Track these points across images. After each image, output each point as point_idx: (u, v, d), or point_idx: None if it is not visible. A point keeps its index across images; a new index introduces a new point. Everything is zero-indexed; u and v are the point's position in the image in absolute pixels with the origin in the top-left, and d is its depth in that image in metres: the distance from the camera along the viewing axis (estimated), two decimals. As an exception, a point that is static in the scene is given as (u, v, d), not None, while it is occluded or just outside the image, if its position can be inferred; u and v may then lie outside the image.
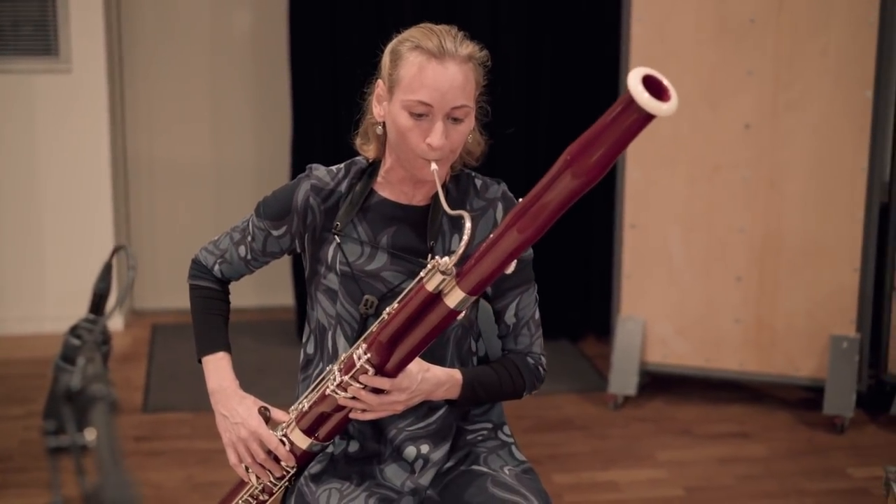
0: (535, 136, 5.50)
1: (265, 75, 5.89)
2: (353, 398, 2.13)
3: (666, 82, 1.75)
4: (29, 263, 5.57)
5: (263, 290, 6.00)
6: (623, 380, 4.77)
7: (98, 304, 1.45)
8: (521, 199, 1.92)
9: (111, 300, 1.47)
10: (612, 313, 4.91)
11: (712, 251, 4.67)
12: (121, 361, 5.36)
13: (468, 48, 2.15)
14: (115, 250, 1.36)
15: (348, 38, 5.24)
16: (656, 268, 4.73)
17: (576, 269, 5.66)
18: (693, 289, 4.71)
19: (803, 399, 4.84)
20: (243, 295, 6.01)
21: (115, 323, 5.72)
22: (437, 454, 2.27)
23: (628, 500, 4.01)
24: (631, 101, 1.74)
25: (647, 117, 1.75)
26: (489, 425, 2.40)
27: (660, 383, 4.95)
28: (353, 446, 2.30)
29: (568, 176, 1.84)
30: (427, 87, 2.10)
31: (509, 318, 2.33)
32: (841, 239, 4.53)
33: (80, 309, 5.62)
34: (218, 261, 2.42)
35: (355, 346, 2.13)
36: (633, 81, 1.72)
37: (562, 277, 5.63)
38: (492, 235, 1.95)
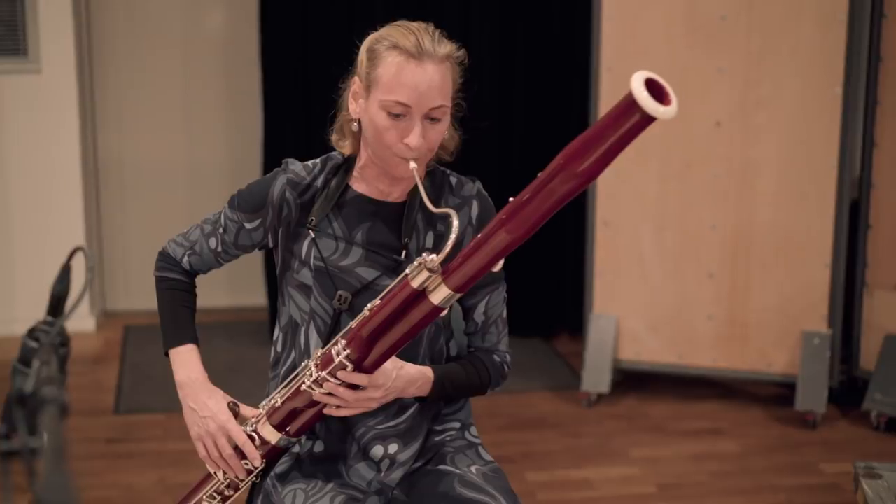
0: (510, 132, 5.50)
1: (236, 74, 5.87)
2: (329, 394, 2.13)
3: (667, 86, 1.76)
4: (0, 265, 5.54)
5: (236, 290, 5.98)
6: (596, 377, 4.77)
7: (56, 305, 1.44)
8: (511, 199, 1.91)
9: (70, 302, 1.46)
10: (584, 311, 4.91)
11: (684, 248, 4.67)
12: (92, 363, 5.34)
13: (446, 48, 2.15)
14: (73, 252, 1.34)
15: (320, 37, 5.22)
16: (629, 265, 4.74)
17: (549, 267, 5.66)
18: (665, 286, 4.71)
19: (776, 395, 4.85)
20: (216, 295, 6.06)
21: (87, 324, 5.69)
22: (405, 454, 2.27)
23: (601, 497, 4.01)
24: (633, 103, 1.74)
25: (648, 119, 1.76)
26: (457, 425, 2.40)
27: (633, 380, 4.96)
28: (319, 446, 2.29)
29: (563, 177, 1.84)
30: (405, 87, 2.09)
31: (478, 315, 2.33)
32: (812, 235, 4.54)
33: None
34: (187, 252, 2.40)
35: (333, 341, 2.12)
36: (637, 84, 1.73)
37: (535, 275, 5.63)
38: (480, 234, 1.95)
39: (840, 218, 4.52)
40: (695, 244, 4.66)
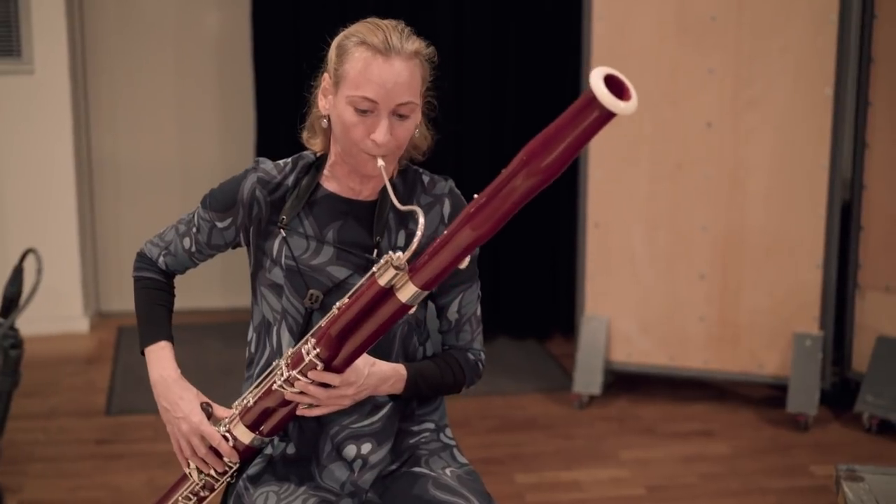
0: (501, 132, 5.49)
1: (230, 75, 5.86)
2: (301, 393, 2.12)
3: (627, 82, 1.75)
4: (-8, 265, 5.53)
5: (230, 291, 5.98)
6: (588, 379, 4.76)
7: (8, 307, 1.43)
8: (476, 195, 1.91)
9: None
10: (576, 312, 4.90)
11: (675, 249, 4.66)
12: (85, 363, 5.33)
13: (414, 44, 2.14)
14: (25, 253, 1.34)
15: (311, 37, 5.20)
16: (620, 266, 4.73)
17: (542, 268, 5.66)
18: (657, 287, 4.70)
19: (767, 397, 4.84)
20: (210, 296, 6.05)
21: (81, 325, 5.70)
22: (377, 455, 2.26)
23: (590, 499, 4.00)
24: (592, 99, 1.73)
25: (608, 115, 1.75)
26: (432, 426, 2.38)
27: (625, 382, 4.94)
28: (292, 448, 2.29)
29: (525, 174, 1.84)
30: (372, 83, 2.09)
31: (452, 314, 2.32)
32: (803, 236, 4.53)
33: (42, 311, 5.59)
34: (162, 252, 2.40)
35: (303, 340, 2.11)
36: (595, 80, 1.73)
37: (528, 276, 5.63)
38: (445, 231, 1.94)
39: (832, 219, 4.51)
40: (686, 245, 4.65)
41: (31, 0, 5.38)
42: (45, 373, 5.16)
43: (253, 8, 5.36)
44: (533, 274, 5.64)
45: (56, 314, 5.65)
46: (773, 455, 4.34)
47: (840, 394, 4.74)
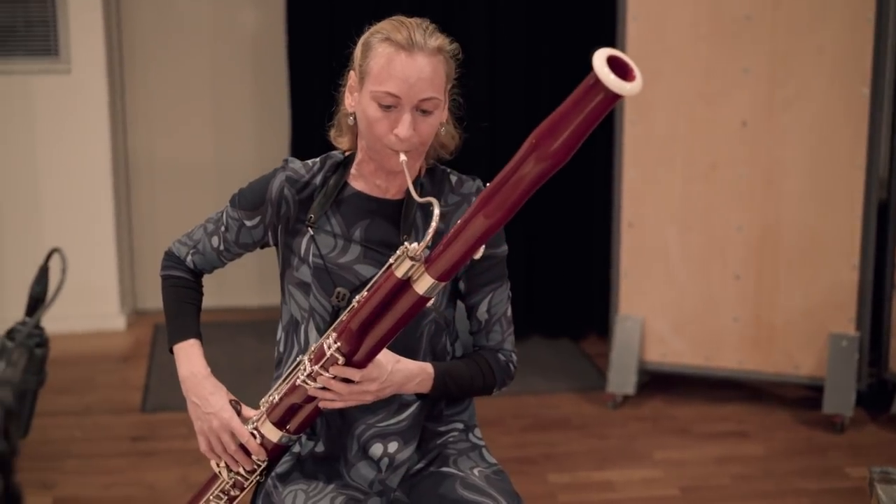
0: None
1: (266, 74, 5.88)
2: (324, 388, 2.13)
3: (630, 62, 1.76)
4: (30, 264, 5.54)
5: (266, 289, 6.00)
6: (622, 379, 4.75)
7: (34, 307, 1.44)
8: (488, 184, 1.91)
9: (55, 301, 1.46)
10: (610, 312, 4.89)
11: (710, 249, 4.64)
12: (121, 361, 5.37)
13: (438, 40, 2.16)
14: (51, 253, 1.35)
15: (346, 36, 5.21)
16: (654, 266, 4.71)
17: (577, 267, 5.65)
18: (691, 287, 4.68)
19: (803, 397, 4.81)
20: (246, 294, 6.08)
21: (118, 322, 5.74)
22: (404, 454, 2.26)
23: (623, 499, 3.99)
24: (596, 82, 1.74)
25: (613, 97, 1.76)
26: (460, 426, 2.38)
27: (659, 382, 4.93)
28: (320, 446, 2.29)
29: (534, 160, 1.84)
30: (395, 77, 2.10)
31: (482, 314, 2.32)
32: (839, 236, 4.50)
33: (79, 308, 5.65)
34: (191, 251, 2.42)
35: (325, 335, 2.12)
36: (598, 62, 1.73)
37: (563, 275, 5.62)
38: (459, 221, 1.94)
39: (868, 219, 4.47)
40: (720, 245, 4.63)
41: (69, 0, 5.42)
42: (82, 370, 5.20)
43: (288, 7, 5.38)
44: (567, 273, 5.63)
45: (93, 312, 5.69)
46: (807, 456, 4.32)
47: (876, 395, 4.70)
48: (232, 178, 5.96)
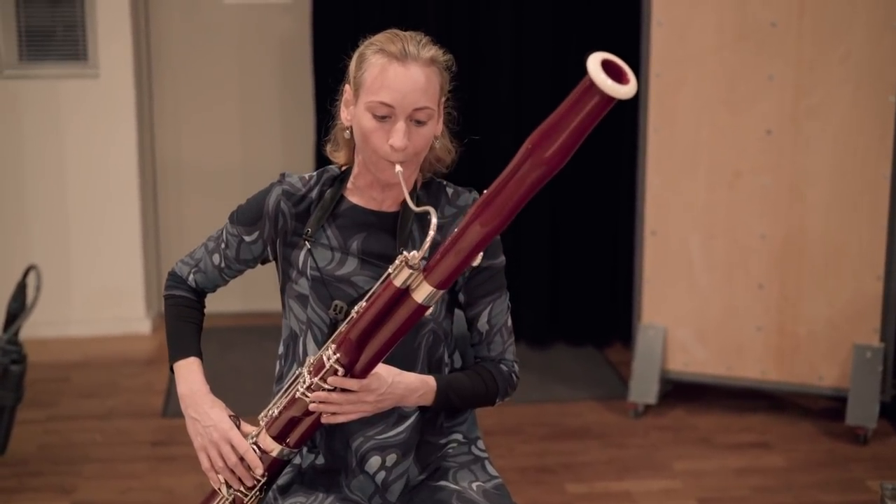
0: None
1: (293, 78, 5.89)
2: (323, 401, 2.12)
3: (625, 66, 1.76)
4: (56, 267, 5.60)
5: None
6: (644, 388, 4.71)
7: (12, 322, 1.44)
8: (485, 191, 1.91)
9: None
10: (633, 320, 4.86)
11: (733, 258, 4.60)
12: (145, 365, 5.39)
13: (431, 51, 2.18)
14: (28, 270, 1.35)
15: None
16: (677, 275, 4.68)
17: (601, 275, 5.62)
18: (714, 296, 4.65)
19: (826, 409, 4.76)
20: (272, 299, 6.03)
21: (143, 326, 5.75)
22: (402, 467, 2.25)
23: (640, 510, 3.97)
24: (591, 85, 1.74)
25: (608, 101, 1.76)
26: (460, 437, 2.37)
27: (681, 391, 4.89)
28: (321, 459, 2.29)
29: (529, 165, 1.84)
30: (388, 88, 2.11)
31: (482, 325, 2.31)
32: (864, 246, 4.45)
33: (105, 312, 5.68)
34: (192, 270, 2.43)
35: (324, 346, 2.12)
36: (593, 66, 1.74)
37: (589, 283, 5.59)
38: (456, 228, 1.95)
39: (893, 229, 4.41)
40: (744, 254, 4.59)
41: (97, 5, 5.45)
42: (106, 374, 5.22)
43: (314, 13, 5.39)
44: (592, 281, 5.60)
45: (118, 315, 5.72)
46: (829, 469, 4.27)
47: (901, 407, 4.65)
48: (258, 182, 5.93)
